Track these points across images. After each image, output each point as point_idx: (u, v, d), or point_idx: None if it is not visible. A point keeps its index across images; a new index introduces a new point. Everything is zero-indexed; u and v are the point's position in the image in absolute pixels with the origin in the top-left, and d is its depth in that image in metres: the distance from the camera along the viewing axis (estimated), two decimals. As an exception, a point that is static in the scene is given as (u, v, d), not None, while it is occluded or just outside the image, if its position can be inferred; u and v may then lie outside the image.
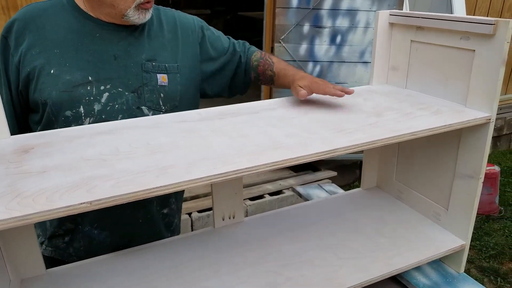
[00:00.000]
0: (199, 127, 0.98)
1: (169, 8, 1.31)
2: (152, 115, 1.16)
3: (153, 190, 0.69)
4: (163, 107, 1.19)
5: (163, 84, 1.18)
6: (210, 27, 1.36)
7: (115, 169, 0.75)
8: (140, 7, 1.12)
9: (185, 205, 3.04)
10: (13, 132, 1.14)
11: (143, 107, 1.16)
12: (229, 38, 1.38)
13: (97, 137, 0.91)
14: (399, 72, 1.30)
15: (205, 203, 3.09)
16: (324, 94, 1.09)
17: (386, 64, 1.32)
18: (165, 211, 1.30)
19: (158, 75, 1.18)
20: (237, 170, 0.77)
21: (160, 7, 1.29)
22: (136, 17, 1.13)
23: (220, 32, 1.38)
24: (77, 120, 1.10)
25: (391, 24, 1.28)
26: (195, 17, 1.34)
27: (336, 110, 1.08)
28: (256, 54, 1.35)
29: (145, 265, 1.07)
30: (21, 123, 1.18)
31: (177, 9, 1.34)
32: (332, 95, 1.08)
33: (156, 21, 1.23)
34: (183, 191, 1.43)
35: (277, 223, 1.26)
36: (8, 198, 0.65)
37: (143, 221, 1.24)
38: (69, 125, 1.09)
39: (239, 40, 1.40)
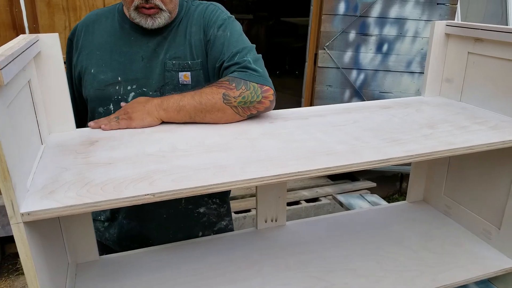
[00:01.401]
0: (251, 130, 1.00)
1: (209, 2, 1.24)
2: None
3: (210, 187, 0.72)
4: None
5: (185, 82, 1.18)
6: (232, 30, 1.17)
7: (174, 164, 0.78)
8: (139, 11, 1.12)
9: (223, 206, 3.07)
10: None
11: None
12: (241, 49, 1.13)
13: (155, 134, 0.95)
14: (453, 84, 1.27)
15: (242, 204, 3.12)
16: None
17: (439, 75, 1.30)
18: (201, 210, 1.32)
19: (180, 74, 1.17)
20: (290, 173, 0.79)
21: (200, 2, 1.24)
22: (139, 20, 1.13)
23: (242, 39, 1.17)
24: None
25: (447, 35, 1.26)
26: (225, 14, 1.20)
27: (387, 120, 1.08)
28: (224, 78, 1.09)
29: (192, 260, 1.10)
30: (81, 116, 1.29)
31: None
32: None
33: (187, 17, 1.21)
34: (226, 193, 1.44)
35: (320, 230, 1.27)
36: (78, 185, 0.70)
37: (167, 216, 1.28)
38: None
39: (246, 63, 1.10)
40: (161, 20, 1.14)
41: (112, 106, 1.18)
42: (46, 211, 0.64)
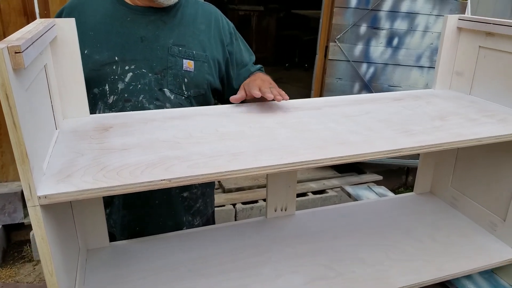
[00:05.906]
0: (264, 119, 1.01)
1: (209, 3, 1.37)
2: (174, 98, 1.22)
3: (225, 174, 0.73)
4: (186, 92, 1.23)
5: (188, 69, 1.22)
6: (240, 37, 1.39)
7: (189, 151, 0.79)
8: None
9: (230, 196, 3.10)
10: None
11: (165, 89, 1.21)
12: (251, 55, 1.40)
13: (169, 121, 0.96)
14: (463, 77, 1.27)
15: (249, 195, 3.14)
16: (252, 95, 1.08)
17: (450, 69, 1.30)
18: (184, 194, 1.33)
19: (184, 61, 1.22)
20: (304, 161, 0.79)
21: (200, 1, 1.35)
22: None
23: (248, 46, 1.42)
24: (102, 98, 1.19)
25: (459, 29, 1.26)
26: (230, 23, 1.38)
27: (399, 112, 1.08)
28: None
29: (201, 247, 1.11)
30: None
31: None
32: (257, 96, 1.06)
33: (191, 10, 1.28)
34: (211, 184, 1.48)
35: (328, 220, 1.28)
36: (94, 170, 0.71)
37: (159, 202, 1.29)
38: (96, 103, 1.19)
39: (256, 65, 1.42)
40: None
41: (107, 87, 1.18)
42: (63, 195, 0.65)
